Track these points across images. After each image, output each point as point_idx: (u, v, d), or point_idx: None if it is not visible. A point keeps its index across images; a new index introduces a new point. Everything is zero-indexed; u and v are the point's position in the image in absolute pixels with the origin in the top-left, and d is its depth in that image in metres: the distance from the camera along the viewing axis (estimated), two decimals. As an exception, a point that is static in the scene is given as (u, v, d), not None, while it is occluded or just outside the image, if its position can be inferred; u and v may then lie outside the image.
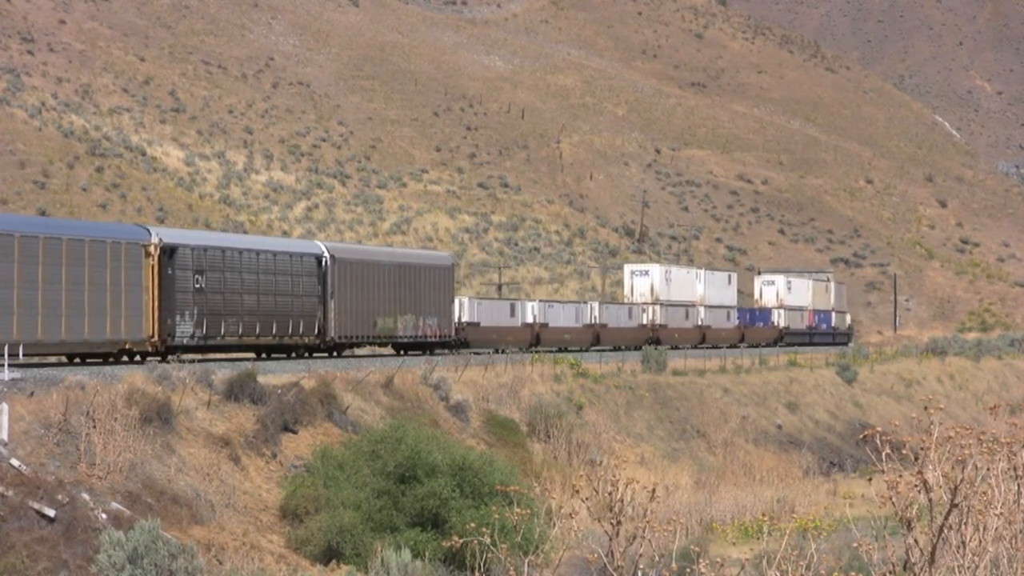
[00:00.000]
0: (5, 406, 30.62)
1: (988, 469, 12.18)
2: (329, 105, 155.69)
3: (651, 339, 76.47)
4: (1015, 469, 12.34)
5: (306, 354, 50.95)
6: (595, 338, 72.79)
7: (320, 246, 53.27)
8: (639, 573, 14.06)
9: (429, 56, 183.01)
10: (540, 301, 70.83)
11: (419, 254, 65.95)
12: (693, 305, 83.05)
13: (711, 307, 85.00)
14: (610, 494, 12.45)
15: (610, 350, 69.49)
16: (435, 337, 58.16)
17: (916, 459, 11.96)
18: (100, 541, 27.49)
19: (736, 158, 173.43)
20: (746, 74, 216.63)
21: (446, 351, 58.41)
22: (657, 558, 13.51)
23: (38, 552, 27.85)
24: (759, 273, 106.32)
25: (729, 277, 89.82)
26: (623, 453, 50.29)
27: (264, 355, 49.82)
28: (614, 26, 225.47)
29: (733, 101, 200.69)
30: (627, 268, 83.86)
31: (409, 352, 57.32)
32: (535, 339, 67.77)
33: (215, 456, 34.59)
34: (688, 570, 12.84)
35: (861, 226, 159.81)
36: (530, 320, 68.13)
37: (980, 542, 11.91)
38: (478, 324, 63.65)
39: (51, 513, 28.56)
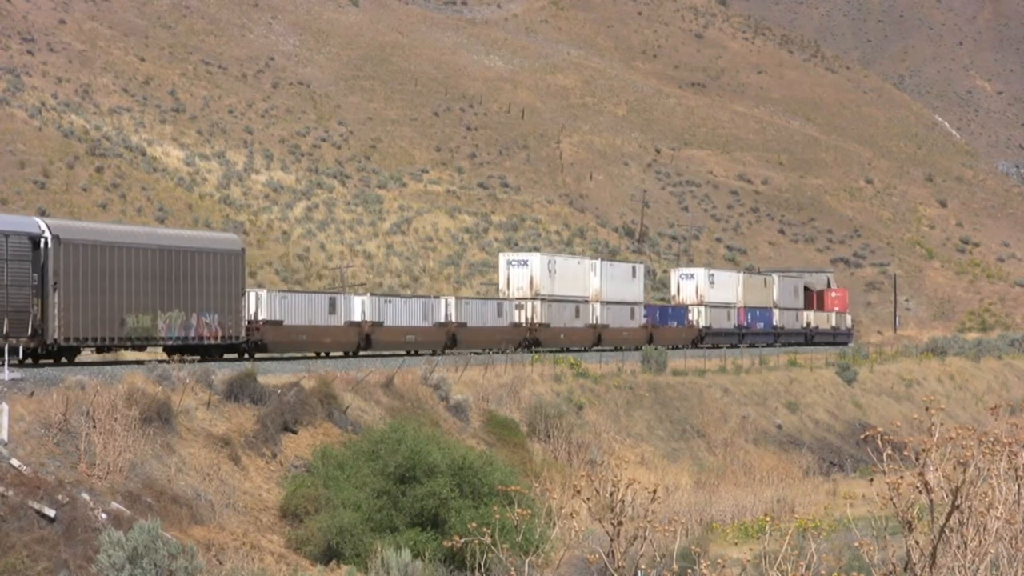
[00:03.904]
0: (5, 406, 30.62)
1: (989, 470, 12.18)
2: (329, 105, 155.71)
3: (527, 340, 66.78)
4: (1016, 470, 12.34)
5: (28, 360, 40.66)
6: (450, 340, 62.11)
7: (37, 223, 42.76)
8: (640, 573, 14.05)
9: (429, 56, 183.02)
10: (372, 295, 59.95)
11: (192, 236, 52.55)
12: (586, 301, 73.06)
13: (609, 303, 74.58)
14: (611, 494, 12.45)
15: (478, 352, 60.12)
16: (215, 339, 47.59)
17: (917, 460, 11.95)
18: (100, 541, 27.50)
19: (736, 158, 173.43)
20: (746, 74, 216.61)
21: (236, 356, 48.89)
22: (658, 558, 13.51)
23: (38, 552, 27.85)
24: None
25: (634, 269, 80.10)
26: (623, 453, 50.30)
27: None
28: (614, 26, 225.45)
29: (733, 101, 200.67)
30: (503, 257, 72.50)
31: (185, 357, 46.83)
32: (364, 341, 57.19)
33: (215, 456, 34.61)
34: (689, 570, 12.84)
35: (861, 226, 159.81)
36: (357, 318, 57.22)
37: (981, 543, 11.90)
38: (281, 323, 52.49)
39: (51, 513, 28.55)
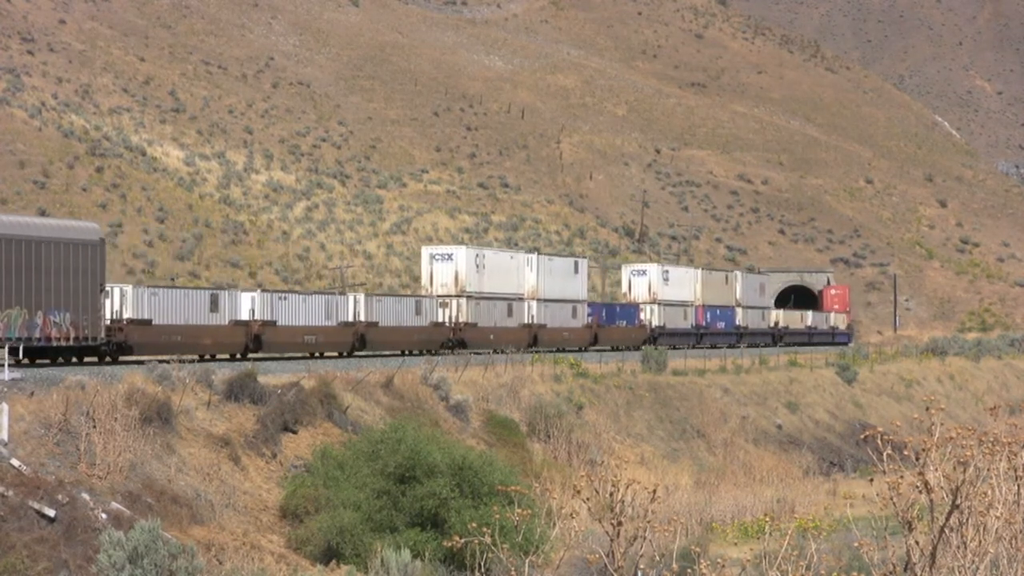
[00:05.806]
0: (5, 406, 30.62)
1: (988, 470, 12.18)
2: (329, 105, 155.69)
3: (451, 342, 61.29)
4: (1015, 470, 12.34)
5: None
6: (358, 341, 56.66)
7: None
8: (639, 573, 14.06)
9: (429, 56, 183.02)
10: (264, 291, 54.18)
11: (39, 224, 45.01)
12: (520, 299, 67.89)
13: (547, 301, 69.42)
14: (611, 495, 12.46)
15: (389, 355, 55.75)
16: (66, 340, 42.47)
17: (917, 460, 11.96)
18: (100, 541, 27.49)
19: (736, 158, 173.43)
20: (746, 74, 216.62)
21: (97, 360, 43.98)
22: (658, 558, 13.51)
23: (38, 552, 27.84)
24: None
25: (576, 264, 73.85)
26: (623, 453, 50.30)
27: None
28: (614, 26, 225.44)
29: (733, 101, 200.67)
30: (425, 251, 66.22)
31: (37, 362, 42.55)
32: (253, 342, 51.85)
33: (215, 456, 34.61)
34: (689, 570, 12.84)
35: (861, 226, 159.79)
36: (245, 317, 51.87)
37: (981, 543, 11.91)
38: (149, 322, 47.23)
39: (51, 513, 28.54)
